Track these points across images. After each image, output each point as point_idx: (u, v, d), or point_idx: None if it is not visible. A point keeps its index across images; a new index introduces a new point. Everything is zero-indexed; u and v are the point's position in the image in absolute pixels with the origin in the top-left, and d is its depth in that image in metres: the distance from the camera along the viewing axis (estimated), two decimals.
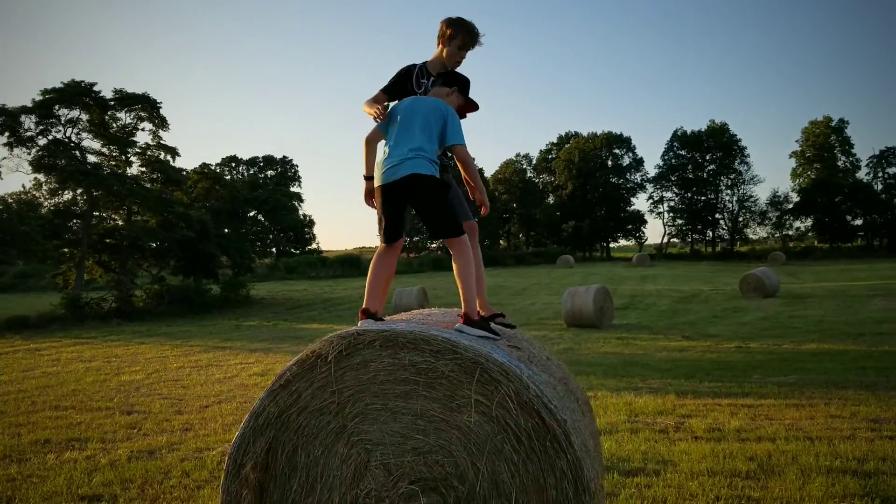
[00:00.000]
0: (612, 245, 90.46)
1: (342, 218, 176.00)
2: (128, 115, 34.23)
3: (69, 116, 32.04)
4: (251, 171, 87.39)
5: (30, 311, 27.63)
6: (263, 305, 36.02)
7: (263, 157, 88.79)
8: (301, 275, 57.19)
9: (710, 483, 5.58)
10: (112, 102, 32.96)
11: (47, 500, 5.79)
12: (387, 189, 3.60)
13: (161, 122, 34.59)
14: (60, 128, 31.95)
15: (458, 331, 3.33)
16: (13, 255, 28.73)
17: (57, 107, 31.27)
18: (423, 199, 3.57)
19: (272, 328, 25.28)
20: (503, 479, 2.95)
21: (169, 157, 34.99)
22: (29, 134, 30.98)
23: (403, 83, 4.05)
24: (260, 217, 61.62)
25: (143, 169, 34.18)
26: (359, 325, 3.43)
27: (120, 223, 33.73)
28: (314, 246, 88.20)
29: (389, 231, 3.67)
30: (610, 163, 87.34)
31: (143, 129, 34.73)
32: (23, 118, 30.31)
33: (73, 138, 32.48)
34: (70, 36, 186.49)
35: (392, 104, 3.86)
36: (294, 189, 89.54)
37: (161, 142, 35.05)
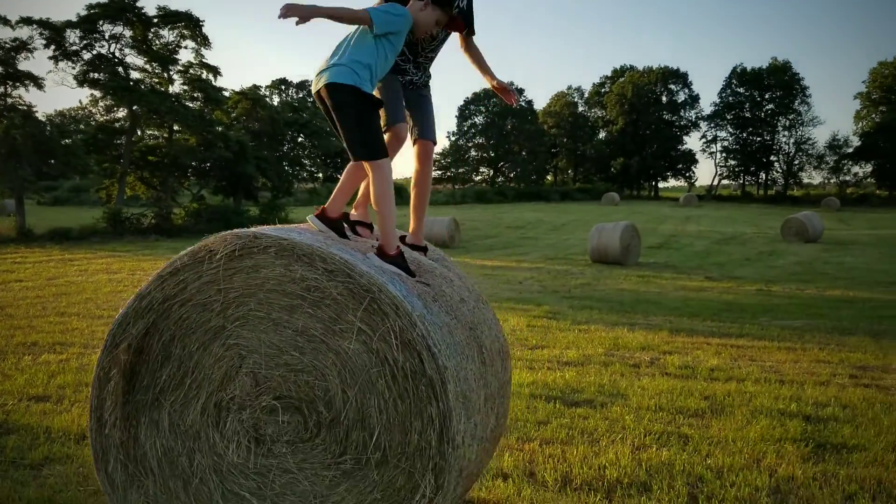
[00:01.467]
0: (661, 185, 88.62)
1: None
2: (170, 32, 34.19)
3: (113, 32, 32.15)
4: (300, 95, 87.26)
5: (72, 224, 28.35)
6: None
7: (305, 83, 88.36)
8: None
9: (649, 417, 5.47)
10: (155, 19, 32.90)
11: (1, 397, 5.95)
12: (316, 97, 3.37)
13: (203, 41, 34.48)
14: (104, 43, 32.12)
15: (365, 257, 3.13)
16: (54, 167, 29.34)
17: (101, 22, 31.35)
18: (337, 112, 3.26)
19: None
20: (370, 413, 2.85)
21: (210, 77, 34.98)
22: (74, 48, 31.22)
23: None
24: (301, 140, 61.71)
25: (185, 87, 34.29)
26: (309, 217, 3.34)
27: (161, 140, 34.08)
28: None
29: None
30: (664, 99, 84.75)
31: (185, 47, 34.67)
32: (67, 32, 30.48)
33: (117, 54, 32.68)
34: None
35: None
36: None
37: (203, 60, 35.01)
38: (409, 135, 3.72)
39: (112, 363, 3.07)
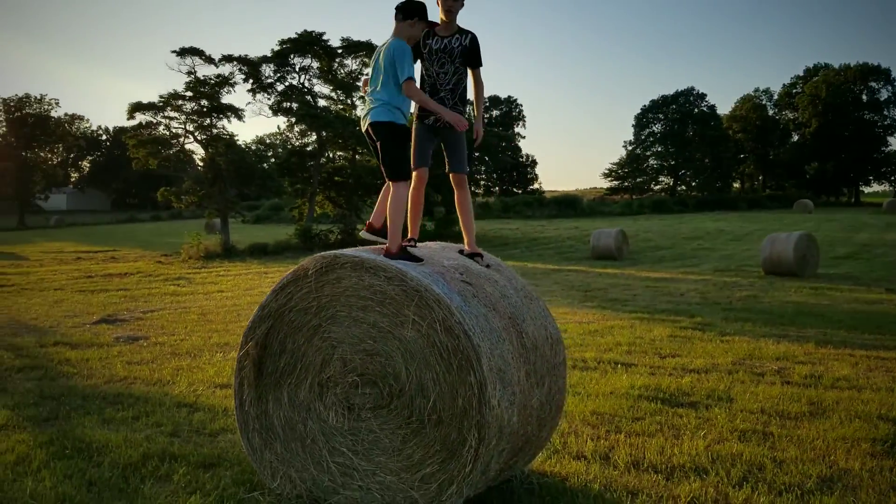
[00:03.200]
0: (863, 189, 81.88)
1: (565, 158, 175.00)
2: (353, 61, 36.81)
3: (302, 64, 35.21)
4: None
5: (269, 240, 31.35)
6: None
7: (489, 98, 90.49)
8: (517, 214, 58.48)
9: (742, 418, 5.71)
10: (339, 50, 35.61)
11: (194, 385, 7.23)
12: (365, 134, 4.29)
13: None
14: (294, 75, 35.27)
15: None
16: (253, 189, 32.60)
17: (291, 56, 34.48)
18: (380, 143, 4.25)
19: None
20: (427, 384, 3.67)
21: None
22: (269, 81, 34.55)
23: (418, 52, 4.63)
24: (476, 156, 63.39)
25: None
26: (361, 233, 4.20)
27: (346, 162, 36.72)
28: (536, 186, 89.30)
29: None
30: (864, 97, 78.37)
31: (366, 75, 37.14)
32: (263, 67, 33.81)
33: (306, 84, 35.73)
34: None
35: None
36: (518, 129, 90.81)
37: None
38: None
39: (245, 357, 4.09)
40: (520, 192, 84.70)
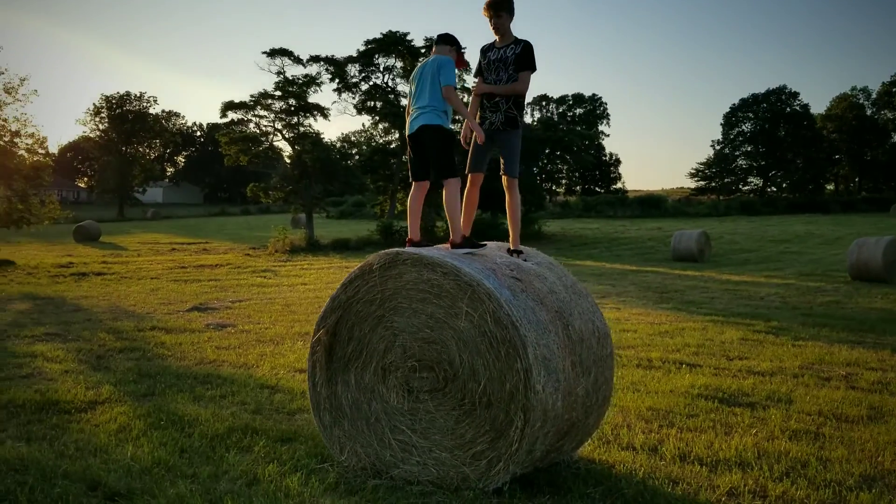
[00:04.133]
0: None
1: (650, 157, 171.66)
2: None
3: (386, 64, 36.09)
4: (560, 110, 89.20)
5: (352, 235, 32.25)
6: (551, 241, 37.74)
7: (573, 96, 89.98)
8: (599, 213, 58.03)
9: (797, 418, 5.81)
10: (423, 49, 36.24)
11: (276, 369, 7.76)
12: (410, 138, 4.70)
13: (465, 67, 37.28)
14: (379, 74, 36.17)
15: (449, 252, 4.52)
16: (337, 186, 33.59)
17: (376, 56, 35.36)
18: (430, 144, 4.67)
19: None
20: (478, 369, 4.04)
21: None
22: (354, 80, 35.56)
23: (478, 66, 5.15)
24: (558, 154, 63.29)
25: None
26: (409, 248, 4.55)
27: None
28: (619, 185, 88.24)
29: (415, 170, 4.75)
30: None
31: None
32: (348, 67, 34.81)
33: (389, 83, 36.57)
34: None
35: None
36: (602, 127, 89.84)
37: (465, 85, 37.81)
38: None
39: (317, 343, 4.56)
40: (602, 191, 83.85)
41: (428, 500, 4.03)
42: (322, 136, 33.17)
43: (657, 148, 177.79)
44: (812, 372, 7.82)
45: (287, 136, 31.42)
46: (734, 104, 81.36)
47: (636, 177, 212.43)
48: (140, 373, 7.44)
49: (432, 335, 4.18)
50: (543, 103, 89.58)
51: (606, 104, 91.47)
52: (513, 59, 4.93)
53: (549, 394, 3.95)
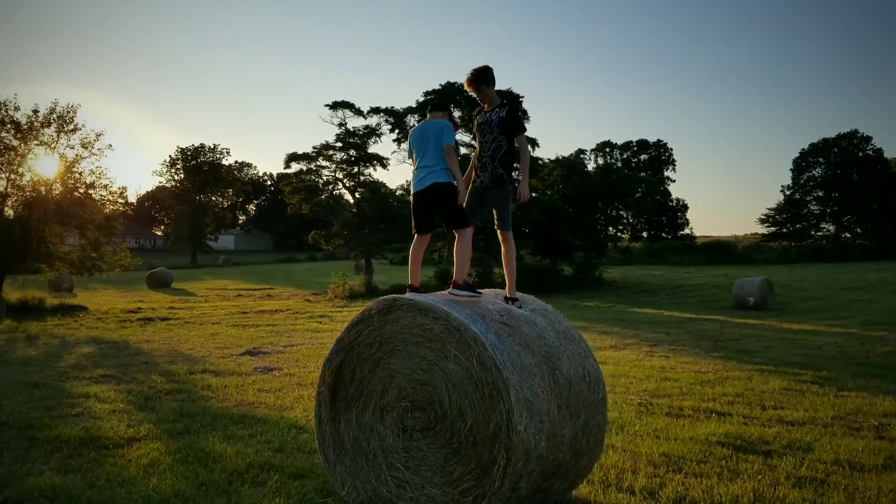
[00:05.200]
0: None
1: (719, 203, 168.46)
2: None
3: None
4: (625, 155, 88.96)
5: None
6: (612, 288, 37.45)
7: (637, 142, 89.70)
8: (663, 260, 57.24)
9: (809, 465, 5.76)
10: None
11: (308, 412, 8.04)
12: (417, 196, 4.99)
13: (523, 115, 37.86)
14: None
15: (450, 293, 4.88)
16: (395, 233, 34.27)
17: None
18: (441, 200, 5.03)
19: (604, 310, 26.62)
20: (465, 409, 4.26)
21: (529, 148, 38.15)
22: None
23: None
24: (616, 201, 62.95)
25: None
26: (406, 295, 4.83)
27: None
28: (687, 231, 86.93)
29: (421, 225, 5.04)
30: None
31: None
32: (408, 117, 35.71)
33: None
34: (446, 41, 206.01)
35: (411, 131, 5.38)
36: (667, 173, 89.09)
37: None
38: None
39: (322, 383, 4.83)
40: (669, 236, 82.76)
41: None
42: (382, 185, 34.03)
43: (726, 194, 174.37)
44: (844, 422, 7.69)
45: (348, 185, 32.34)
46: (804, 149, 79.72)
47: (705, 223, 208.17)
48: (181, 413, 7.85)
49: (424, 377, 4.42)
50: (607, 149, 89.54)
51: (672, 150, 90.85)
52: (497, 123, 5.34)
53: (532, 434, 4.12)
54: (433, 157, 5.08)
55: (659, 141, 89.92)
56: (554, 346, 4.59)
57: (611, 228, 73.60)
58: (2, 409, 7.81)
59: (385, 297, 4.66)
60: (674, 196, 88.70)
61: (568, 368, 4.56)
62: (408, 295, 4.76)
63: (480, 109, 5.54)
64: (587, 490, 5.12)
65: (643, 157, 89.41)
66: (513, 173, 5.46)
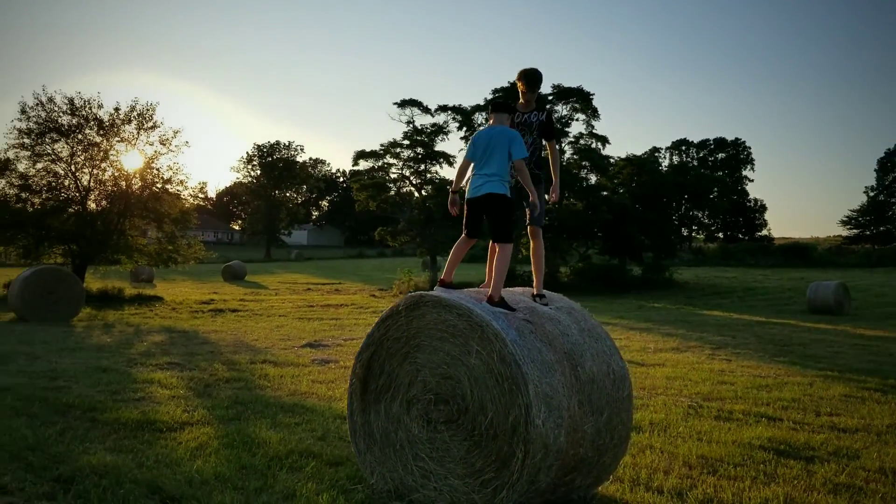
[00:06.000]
0: None
1: (800, 204, 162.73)
2: (564, 107, 37.81)
3: None
4: (701, 154, 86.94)
5: (476, 279, 32.83)
6: (682, 289, 36.75)
7: (714, 140, 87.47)
8: (739, 261, 55.76)
9: (851, 473, 5.63)
10: (550, 97, 36.78)
11: None
12: (472, 201, 5.04)
13: (593, 113, 37.47)
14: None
15: (482, 304, 4.83)
16: (461, 231, 34.34)
17: None
18: (493, 211, 5.03)
19: (671, 311, 26.20)
20: (486, 403, 4.38)
21: (599, 145, 37.73)
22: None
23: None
24: (689, 201, 61.58)
25: (575, 157, 37.47)
26: (435, 289, 4.93)
27: (552, 206, 37.61)
28: (764, 232, 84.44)
29: (471, 229, 5.09)
30: None
31: (576, 120, 38.00)
32: (475, 115, 35.82)
33: None
34: (515, 38, 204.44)
35: (477, 133, 5.27)
36: (745, 172, 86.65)
37: (593, 131, 37.93)
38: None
39: (354, 376, 5.05)
40: (745, 237, 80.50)
41: None
42: (449, 182, 34.27)
43: (808, 194, 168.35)
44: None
45: (415, 182, 32.69)
46: (889, 149, 76.40)
47: (785, 224, 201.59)
48: (236, 400, 8.17)
49: (448, 371, 4.57)
50: (683, 147, 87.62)
51: (750, 148, 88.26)
52: (536, 126, 5.53)
53: (551, 429, 4.21)
54: (496, 167, 5.06)
55: (737, 139, 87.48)
56: (577, 344, 4.66)
57: (684, 229, 71.94)
58: (70, 392, 8.29)
59: (412, 293, 4.82)
60: (752, 196, 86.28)
61: (591, 366, 4.62)
62: (434, 291, 4.88)
63: (514, 109, 5.60)
64: (614, 488, 5.14)
65: (720, 155, 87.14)
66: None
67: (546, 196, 5.67)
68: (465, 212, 5.22)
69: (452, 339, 4.52)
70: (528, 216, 5.44)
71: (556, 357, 4.44)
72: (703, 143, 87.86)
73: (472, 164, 5.22)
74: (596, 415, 4.53)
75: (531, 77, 5.51)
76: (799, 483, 5.38)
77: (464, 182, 5.28)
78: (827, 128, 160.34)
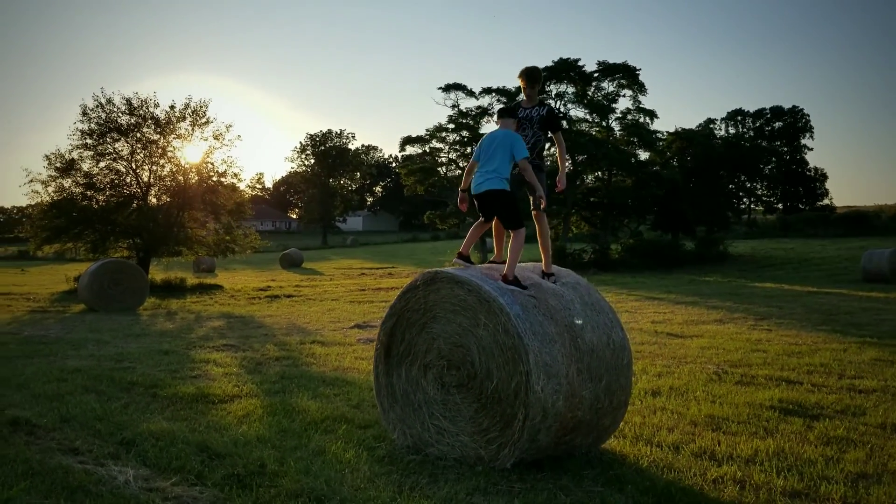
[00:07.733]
0: None
1: (864, 172, 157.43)
2: (610, 83, 37.71)
3: (558, 90, 36.89)
4: (758, 124, 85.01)
5: (524, 259, 33.20)
6: (737, 263, 36.36)
7: (771, 109, 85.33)
8: (797, 232, 54.58)
9: (849, 428, 5.92)
10: (595, 74, 36.75)
11: None
12: (476, 197, 5.59)
13: (640, 88, 37.28)
14: (550, 101, 37.03)
15: (496, 282, 5.32)
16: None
17: (548, 83, 36.31)
18: (497, 205, 5.58)
19: (722, 285, 26.12)
20: (492, 370, 4.97)
21: (647, 120, 37.56)
22: None
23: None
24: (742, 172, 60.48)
25: (622, 133, 37.41)
26: (454, 260, 5.48)
27: (601, 183, 37.62)
28: (826, 201, 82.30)
29: (486, 216, 5.64)
30: None
31: (623, 96, 37.87)
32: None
33: (561, 109, 37.31)
34: (559, 16, 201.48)
35: (484, 136, 5.80)
36: (804, 141, 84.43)
37: (640, 106, 37.75)
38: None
39: (379, 342, 5.68)
40: (806, 207, 78.59)
41: (447, 473, 4.93)
42: None
43: (871, 161, 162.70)
44: None
45: (461, 165, 33.14)
46: None
47: (847, 192, 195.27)
48: (283, 376, 8.84)
49: (460, 340, 5.15)
50: (739, 118, 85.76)
51: (808, 116, 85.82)
52: (537, 120, 6.02)
53: (549, 394, 4.76)
54: (495, 164, 5.52)
55: (794, 107, 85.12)
56: (579, 317, 5.14)
57: (741, 201, 70.69)
58: (134, 371, 9.08)
59: (429, 270, 5.40)
60: (811, 165, 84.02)
61: (591, 337, 5.15)
62: (448, 269, 5.40)
63: (517, 105, 6.11)
64: (616, 443, 5.60)
65: (777, 124, 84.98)
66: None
67: (557, 184, 6.13)
68: (476, 205, 5.74)
69: (464, 312, 5.09)
70: (531, 202, 5.91)
71: (557, 329, 4.96)
72: (760, 113, 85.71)
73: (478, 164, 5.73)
74: (595, 381, 5.04)
75: (531, 74, 6.03)
76: (794, 437, 5.73)
77: (472, 181, 5.78)
78: (889, 91, 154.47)
